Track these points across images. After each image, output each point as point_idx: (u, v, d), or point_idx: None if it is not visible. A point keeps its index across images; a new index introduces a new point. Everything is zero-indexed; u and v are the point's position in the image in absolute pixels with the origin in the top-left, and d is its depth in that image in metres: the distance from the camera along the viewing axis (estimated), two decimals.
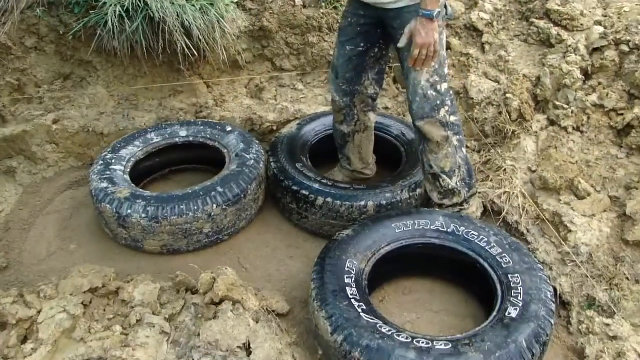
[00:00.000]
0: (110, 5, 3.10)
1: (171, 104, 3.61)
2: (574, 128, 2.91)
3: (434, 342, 1.93)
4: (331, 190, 2.79)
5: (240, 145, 3.09)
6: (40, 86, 3.47)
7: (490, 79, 3.39)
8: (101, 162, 2.96)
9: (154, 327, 2.06)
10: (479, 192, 2.90)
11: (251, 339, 2.08)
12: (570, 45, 3.11)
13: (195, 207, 2.66)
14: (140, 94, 3.61)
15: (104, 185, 2.78)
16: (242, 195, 2.80)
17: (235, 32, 3.57)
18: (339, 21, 2.78)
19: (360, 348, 1.91)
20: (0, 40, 3.22)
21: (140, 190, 2.84)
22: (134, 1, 3.08)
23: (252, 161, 2.96)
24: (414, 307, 2.53)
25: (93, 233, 2.99)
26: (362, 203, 2.74)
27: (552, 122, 3.03)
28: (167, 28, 3.14)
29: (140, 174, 3.18)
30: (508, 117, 3.11)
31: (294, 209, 2.91)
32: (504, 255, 2.33)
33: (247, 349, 2.06)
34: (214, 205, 2.70)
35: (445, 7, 2.42)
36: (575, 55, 3.04)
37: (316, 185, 2.82)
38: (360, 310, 2.06)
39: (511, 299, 2.13)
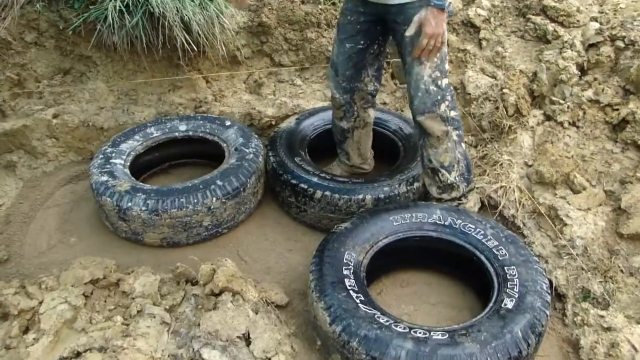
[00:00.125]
0: (110, 1, 3.11)
1: (170, 98, 3.63)
2: (569, 123, 2.94)
3: (431, 333, 1.95)
4: (329, 184, 2.81)
5: (240, 139, 3.11)
6: (40, 81, 3.49)
7: (487, 75, 3.42)
8: (101, 155, 2.98)
9: (154, 317, 2.09)
10: (476, 187, 2.93)
11: (250, 329, 2.11)
12: (566, 41, 3.14)
13: (195, 200, 2.68)
14: (140, 88, 3.62)
15: (105, 178, 2.80)
16: (242, 189, 2.82)
17: (234, 28, 3.59)
18: (338, 18, 2.79)
19: (358, 338, 1.94)
20: (0, 35, 3.24)
21: (140, 183, 2.86)
22: None
23: (251, 155, 2.98)
24: (412, 299, 2.56)
25: (93, 226, 3.01)
26: (360, 196, 2.77)
27: (548, 117, 3.05)
28: (166, 23, 3.16)
29: (140, 168, 3.20)
30: (505, 112, 3.14)
31: (293, 203, 2.94)
32: (500, 247, 2.36)
33: (247, 339, 2.09)
34: (214, 199, 2.72)
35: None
36: (571, 51, 3.06)
37: (315, 179, 2.85)
38: (358, 301, 2.09)
39: (507, 290, 2.16)
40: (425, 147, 2.70)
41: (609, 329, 2.21)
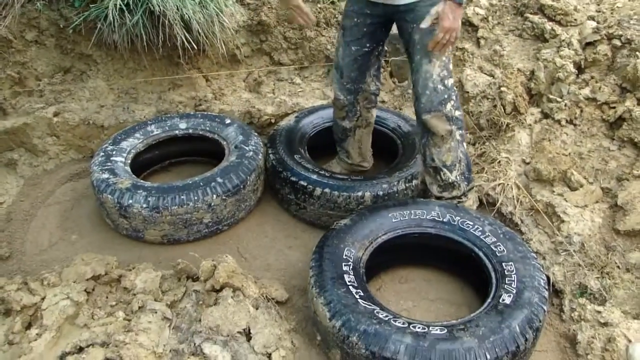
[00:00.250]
0: None
1: (170, 97, 3.65)
2: (567, 121, 2.96)
3: (430, 327, 1.97)
4: (329, 181, 2.84)
5: (239, 137, 3.13)
6: (41, 79, 3.50)
7: (485, 73, 3.44)
8: (102, 153, 3.00)
9: (156, 313, 2.11)
10: (475, 185, 2.95)
11: (251, 324, 2.13)
12: (563, 40, 3.16)
13: (196, 198, 2.70)
14: (140, 87, 3.64)
15: (105, 176, 2.82)
16: (241, 186, 2.84)
17: (233, 26, 3.61)
18: (342, 21, 2.78)
19: (358, 333, 1.96)
20: (1, 34, 3.25)
21: (141, 181, 2.87)
22: None
23: (251, 153, 3.00)
24: (410, 295, 2.58)
25: (94, 223, 3.03)
26: (360, 193, 2.79)
27: (545, 115, 3.08)
28: (167, 22, 3.17)
29: (141, 165, 3.22)
30: (502, 110, 3.16)
31: (293, 200, 2.96)
32: (498, 244, 2.38)
33: (247, 334, 2.11)
34: (214, 196, 2.74)
35: None
36: (569, 49, 3.08)
37: (314, 176, 2.87)
38: (357, 297, 2.11)
39: (505, 286, 2.18)
40: (428, 146, 2.71)
41: (605, 324, 2.23)
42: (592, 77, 2.97)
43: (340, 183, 2.83)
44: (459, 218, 2.52)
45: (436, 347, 1.88)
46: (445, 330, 1.96)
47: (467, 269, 2.54)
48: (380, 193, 2.80)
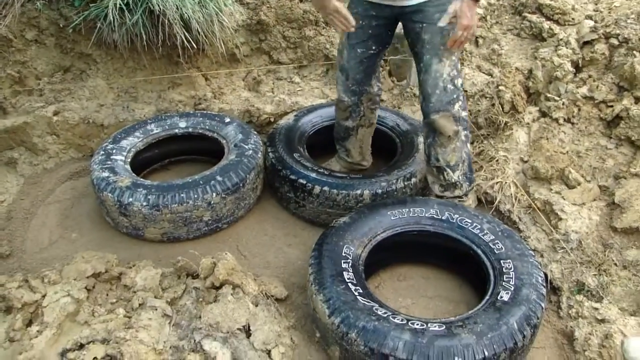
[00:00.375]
0: None
1: (170, 96, 3.66)
2: (564, 119, 2.97)
3: (428, 324, 1.99)
4: (328, 179, 2.85)
5: (239, 136, 3.14)
6: (41, 78, 3.51)
7: (484, 72, 3.46)
8: (102, 152, 3.01)
9: (156, 310, 2.12)
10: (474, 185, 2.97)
11: (251, 321, 2.15)
12: (561, 39, 3.18)
13: (195, 196, 2.71)
14: (140, 86, 3.65)
15: (106, 174, 2.83)
16: (241, 184, 2.86)
17: (233, 26, 3.62)
18: None
19: (357, 329, 1.97)
20: (1, 33, 3.26)
21: (141, 179, 2.88)
22: None
23: (251, 151, 3.01)
24: (409, 293, 2.59)
25: (94, 222, 3.04)
26: (358, 192, 2.80)
27: (543, 114, 3.09)
28: (166, 21, 3.18)
29: (141, 164, 3.24)
30: (501, 109, 3.17)
31: (292, 198, 2.97)
32: (496, 241, 2.39)
33: (247, 331, 2.13)
34: (214, 194, 2.75)
35: None
36: (567, 48, 3.10)
37: (313, 175, 2.88)
38: (356, 294, 2.12)
39: (503, 283, 2.19)
40: (433, 146, 2.71)
41: (602, 320, 2.25)
42: (590, 76, 2.99)
43: (340, 181, 2.85)
44: (458, 216, 2.54)
45: (434, 343, 1.89)
46: (444, 327, 1.97)
47: (465, 266, 2.55)
48: (379, 191, 2.82)
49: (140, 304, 2.17)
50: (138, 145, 3.15)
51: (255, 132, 3.24)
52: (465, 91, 3.39)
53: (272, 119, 3.63)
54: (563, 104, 2.97)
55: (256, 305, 2.24)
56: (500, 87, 3.20)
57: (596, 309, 2.31)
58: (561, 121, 2.98)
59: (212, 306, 2.15)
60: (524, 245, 2.39)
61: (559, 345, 2.34)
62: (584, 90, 2.95)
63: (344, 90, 2.89)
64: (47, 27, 3.41)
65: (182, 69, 3.67)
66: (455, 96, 2.59)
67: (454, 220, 2.52)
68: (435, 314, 2.48)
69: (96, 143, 3.48)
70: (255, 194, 3.08)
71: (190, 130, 3.30)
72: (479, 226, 2.48)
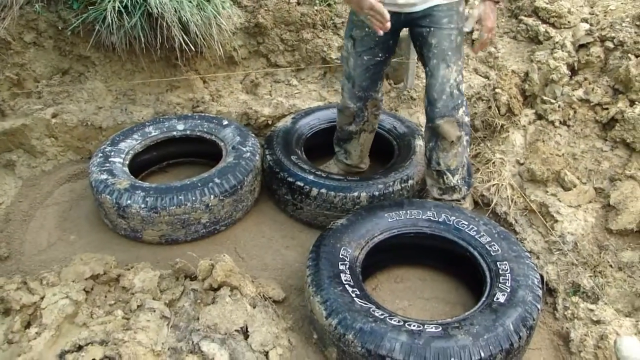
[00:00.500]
0: (109, 1, 3.15)
1: (168, 98, 3.67)
2: (560, 122, 2.99)
3: (425, 326, 2.00)
4: (325, 182, 2.86)
5: (237, 138, 3.15)
6: (39, 81, 3.52)
7: (480, 75, 3.47)
8: (101, 154, 3.02)
9: (154, 311, 2.13)
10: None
11: (248, 323, 2.15)
12: (557, 42, 3.20)
13: (193, 198, 2.72)
14: (138, 88, 3.66)
15: (104, 176, 2.84)
16: (239, 187, 2.87)
17: (231, 29, 3.63)
18: (350, 31, 2.70)
19: (354, 331, 1.98)
20: None
21: (139, 181, 2.90)
22: None
23: (248, 154, 3.02)
24: (406, 295, 2.60)
25: (92, 224, 3.04)
26: (356, 194, 2.81)
27: (539, 116, 3.11)
28: (164, 24, 3.20)
29: (139, 166, 3.25)
30: (497, 111, 3.19)
31: (289, 200, 2.98)
32: (492, 243, 2.41)
33: (245, 332, 2.13)
34: (212, 196, 2.77)
35: None
36: (562, 51, 3.12)
37: (311, 177, 2.89)
38: (354, 295, 2.13)
39: (499, 285, 2.20)
40: (435, 150, 2.71)
41: (598, 322, 2.26)
42: (585, 79, 3.01)
43: (337, 183, 2.86)
44: (454, 218, 2.55)
45: (431, 344, 1.91)
46: (440, 329, 1.98)
47: (462, 268, 2.57)
48: (376, 193, 2.83)
49: (138, 306, 2.17)
50: (136, 147, 3.16)
51: (253, 135, 3.26)
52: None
53: (269, 122, 3.64)
54: (559, 106, 2.99)
55: (254, 307, 2.25)
56: (497, 90, 3.21)
57: (592, 310, 2.32)
58: (557, 124, 2.99)
59: (210, 308, 2.16)
60: (520, 247, 2.41)
61: (555, 346, 2.36)
62: (579, 92, 2.97)
63: (350, 97, 2.88)
64: (45, 30, 3.42)
65: (180, 72, 3.68)
66: (460, 101, 2.60)
67: (451, 222, 2.54)
68: (432, 315, 2.49)
69: (94, 145, 3.49)
70: (253, 197, 3.09)
71: (188, 132, 3.31)
72: (476, 228, 2.49)
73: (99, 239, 2.94)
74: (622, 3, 3.27)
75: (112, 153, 3.04)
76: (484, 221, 2.54)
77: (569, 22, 3.33)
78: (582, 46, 3.09)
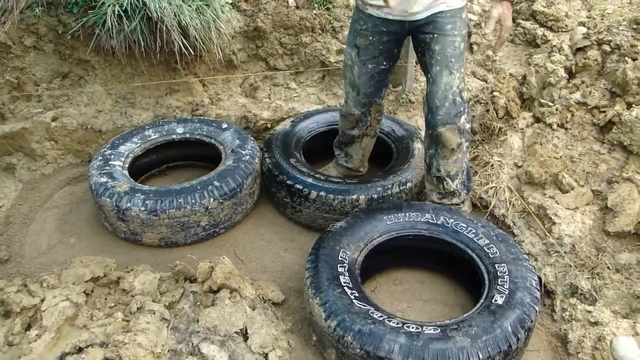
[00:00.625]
0: (109, 5, 3.16)
1: (167, 102, 3.68)
2: (558, 125, 3.00)
3: (424, 327, 2.01)
4: (324, 184, 2.87)
5: (236, 141, 3.17)
6: (39, 84, 3.54)
7: (478, 78, 3.49)
8: (100, 157, 3.03)
9: (154, 313, 2.14)
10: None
11: (248, 325, 2.17)
12: (555, 45, 3.21)
13: (193, 201, 2.74)
14: (137, 92, 3.68)
15: (104, 179, 2.85)
16: (238, 189, 2.88)
17: (230, 32, 3.65)
18: (354, 40, 2.70)
19: (353, 333, 1.99)
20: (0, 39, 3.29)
21: (139, 184, 2.90)
22: (133, 1, 3.15)
23: (248, 157, 3.03)
24: (405, 297, 2.61)
25: (92, 227, 3.06)
26: (354, 197, 2.83)
27: (537, 119, 3.12)
28: (164, 28, 3.21)
29: (139, 169, 3.26)
30: (495, 114, 3.20)
31: (288, 203, 2.99)
32: (491, 245, 2.42)
33: (244, 334, 2.15)
34: (211, 199, 2.78)
35: None
36: (560, 54, 3.13)
37: (310, 180, 2.90)
38: (352, 297, 2.14)
39: (498, 287, 2.21)
40: (436, 157, 2.70)
41: (596, 323, 2.27)
42: (583, 82, 3.02)
43: (336, 186, 2.87)
44: (453, 220, 2.56)
45: (429, 346, 1.92)
46: (439, 330, 2.00)
47: (460, 270, 2.58)
48: (375, 196, 2.84)
49: (138, 308, 2.19)
50: (136, 150, 3.17)
51: (252, 138, 3.27)
52: None
53: (268, 125, 3.66)
54: (556, 109, 3.00)
55: (253, 309, 2.26)
56: (495, 93, 3.23)
57: (589, 311, 2.33)
58: (555, 126, 3.00)
59: (209, 310, 2.17)
60: (518, 249, 2.42)
61: (553, 347, 2.37)
62: (577, 95, 2.98)
63: (354, 104, 2.88)
64: (45, 34, 3.44)
65: (179, 75, 3.70)
66: (462, 109, 2.59)
67: (449, 225, 2.55)
68: (430, 317, 2.50)
69: (94, 149, 3.51)
70: (252, 199, 3.10)
71: (187, 136, 3.32)
72: (474, 230, 2.50)
73: (99, 241, 2.95)
74: (619, 7, 3.30)
75: (112, 156, 3.05)
76: (482, 223, 2.56)
77: (566, 25, 3.35)
78: (579, 49, 3.10)
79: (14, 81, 3.44)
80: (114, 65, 3.62)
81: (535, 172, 2.85)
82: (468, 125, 2.68)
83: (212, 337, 2.07)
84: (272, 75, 3.92)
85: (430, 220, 2.58)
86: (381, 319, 2.04)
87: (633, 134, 2.65)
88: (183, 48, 3.31)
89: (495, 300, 2.14)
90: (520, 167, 3.02)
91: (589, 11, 3.45)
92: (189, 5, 3.30)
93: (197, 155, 3.46)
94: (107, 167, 2.95)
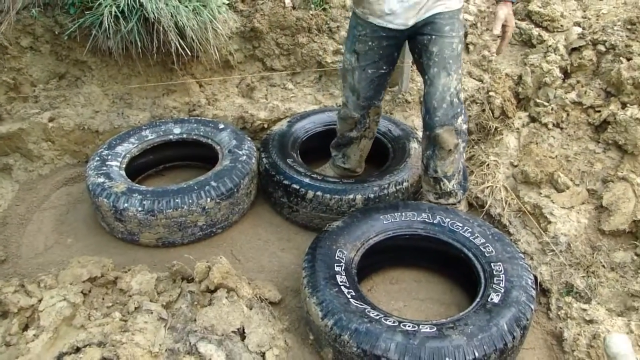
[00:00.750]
0: (106, 6, 3.16)
1: (164, 102, 3.69)
2: (553, 124, 3.02)
3: (420, 326, 2.02)
4: (321, 184, 2.88)
5: (233, 142, 3.17)
6: (36, 85, 3.54)
7: (474, 78, 3.50)
8: (97, 158, 3.04)
9: (151, 313, 2.14)
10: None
11: (245, 324, 2.17)
12: (550, 45, 3.23)
13: (190, 201, 2.74)
14: (134, 92, 3.68)
15: (101, 180, 2.85)
16: (235, 190, 2.89)
17: (227, 33, 3.66)
18: (353, 45, 2.70)
19: (350, 331, 2.00)
20: None
21: (136, 185, 2.91)
22: (129, 2, 3.15)
23: (245, 157, 3.04)
24: (401, 296, 2.62)
25: (89, 227, 3.06)
26: (351, 196, 2.84)
27: (533, 119, 3.13)
28: (161, 28, 3.22)
29: (136, 170, 3.26)
30: (491, 114, 3.22)
31: (285, 203, 3.00)
32: (487, 245, 2.43)
33: (242, 333, 2.15)
34: (208, 199, 2.78)
35: None
36: (555, 54, 3.15)
37: (306, 180, 2.91)
38: (349, 297, 2.15)
39: (493, 285, 2.22)
40: (433, 159, 2.71)
41: (591, 321, 2.28)
42: (578, 82, 3.03)
43: (332, 186, 2.88)
44: (449, 220, 2.57)
45: (426, 344, 1.92)
46: (435, 329, 2.00)
47: (456, 269, 2.59)
48: (372, 196, 2.85)
49: (136, 308, 2.19)
50: (133, 151, 3.18)
51: (249, 138, 3.28)
52: None
53: (265, 125, 3.67)
54: (552, 109, 3.02)
55: (250, 309, 2.26)
56: (491, 93, 3.24)
57: (584, 310, 2.34)
58: (550, 126, 3.02)
59: (207, 309, 2.17)
60: (514, 248, 2.43)
61: (549, 346, 2.38)
62: (572, 95, 2.99)
63: (354, 108, 2.89)
64: (42, 35, 3.44)
65: (176, 76, 3.70)
66: (459, 110, 2.60)
67: (445, 224, 2.56)
68: (426, 316, 2.51)
69: (91, 149, 3.51)
70: (249, 199, 3.11)
71: (184, 136, 3.33)
72: (470, 230, 2.51)
73: (96, 242, 2.96)
74: (613, 7, 3.31)
75: (109, 157, 3.05)
76: (478, 223, 2.57)
77: (561, 25, 3.37)
78: (574, 49, 3.12)
79: (10, 82, 3.44)
80: (111, 66, 3.62)
81: (530, 171, 2.86)
82: (465, 126, 2.69)
83: (209, 337, 2.08)
84: (268, 75, 3.92)
85: (426, 220, 2.59)
86: (378, 317, 2.05)
87: (628, 133, 2.67)
88: (180, 49, 3.31)
89: (491, 299, 2.15)
90: (516, 166, 3.04)
91: (584, 11, 3.47)
92: (186, 6, 3.31)
93: (194, 155, 3.46)
94: (104, 168, 2.96)
